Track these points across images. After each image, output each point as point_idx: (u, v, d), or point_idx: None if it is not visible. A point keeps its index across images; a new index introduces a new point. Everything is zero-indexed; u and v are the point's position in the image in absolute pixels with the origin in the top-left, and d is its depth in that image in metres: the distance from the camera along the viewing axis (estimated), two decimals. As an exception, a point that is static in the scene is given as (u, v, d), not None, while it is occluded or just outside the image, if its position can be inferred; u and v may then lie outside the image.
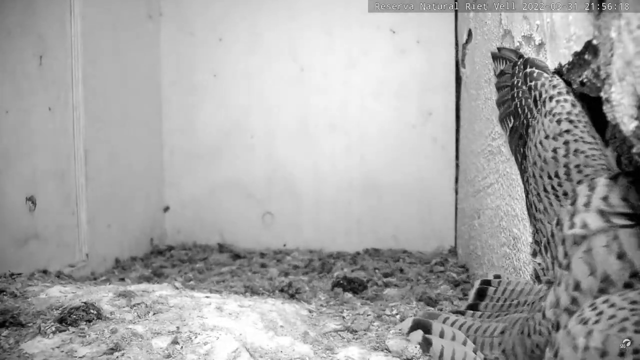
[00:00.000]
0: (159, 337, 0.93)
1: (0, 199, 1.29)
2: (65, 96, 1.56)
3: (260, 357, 0.92)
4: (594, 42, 0.68)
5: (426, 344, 0.87)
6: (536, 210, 0.77)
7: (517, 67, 0.89)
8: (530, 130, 0.81)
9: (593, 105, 0.80)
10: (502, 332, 0.81)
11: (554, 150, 0.74)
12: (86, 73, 1.63)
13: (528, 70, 0.85)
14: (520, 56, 0.94)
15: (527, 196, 0.82)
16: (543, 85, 0.82)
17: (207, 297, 1.19)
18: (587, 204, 0.64)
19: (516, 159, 0.88)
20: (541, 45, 0.91)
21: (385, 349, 1.02)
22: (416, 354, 0.99)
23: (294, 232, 2.21)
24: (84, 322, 0.95)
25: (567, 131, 0.75)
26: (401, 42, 2.13)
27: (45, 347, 0.88)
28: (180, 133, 2.25)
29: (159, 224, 2.22)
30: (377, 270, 1.73)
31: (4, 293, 1.06)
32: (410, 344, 1.02)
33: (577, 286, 0.60)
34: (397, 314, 1.21)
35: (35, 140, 1.42)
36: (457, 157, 2.07)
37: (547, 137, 0.76)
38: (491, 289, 0.95)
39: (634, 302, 0.56)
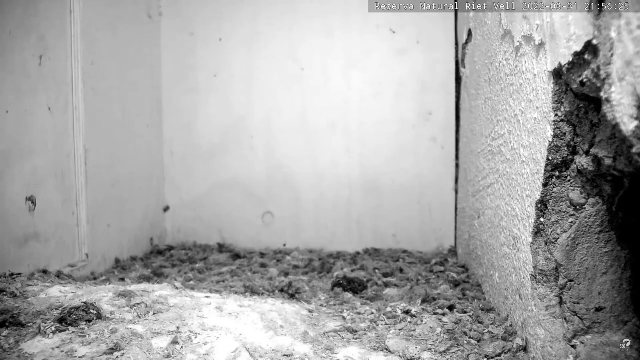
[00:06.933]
0: (159, 337, 0.93)
1: (0, 199, 1.29)
2: (65, 96, 1.56)
3: (260, 357, 0.92)
4: (594, 42, 0.68)
5: None
6: None
7: None
8: None
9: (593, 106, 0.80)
10: None
11: None
12: (86, 73, 1.63)
13: None
14: None
15: None
16: None
17: (207, 297, 1.19)
18: None
19: None
20: (541, 45, 0.91)
21: (385, 349, 1.02)
22: (416, 354, 0.99)
23: (294, 232, 2.21)
24: (84, 322, 0.96)
25: None
26: (401, 42, 2.13)
27: (45, 347, 0.88)
28: (181, 133, 2.25)
29: (159, 224, 2.22)
30: (377, 270, 1.73)
31: (4, 293, 1.06)
32: (411, 344, 1.02)
33: None
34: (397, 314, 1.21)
35: (35, 140, 1.42)
36: (457, 157, 2.07)
37: None
38: None
39: None
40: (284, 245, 2.21)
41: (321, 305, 1.34)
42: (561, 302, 0.89)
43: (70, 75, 1.58)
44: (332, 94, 2.17)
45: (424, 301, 1.33)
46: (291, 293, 1.44)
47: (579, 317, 0.87)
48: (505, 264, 1.16)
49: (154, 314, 1.03)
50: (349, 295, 1.44)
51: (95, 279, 1.59)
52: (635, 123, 0.58)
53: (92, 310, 0.98)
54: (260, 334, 1.00)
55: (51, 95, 1.49)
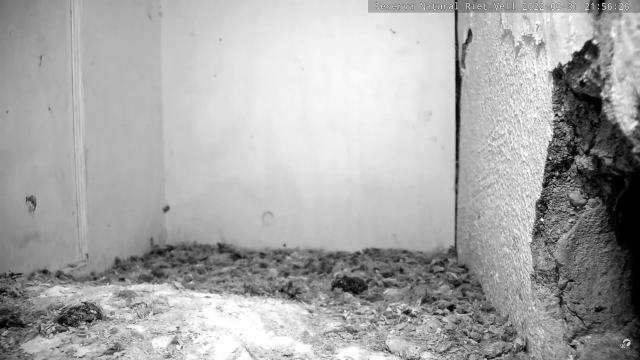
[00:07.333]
0: (159, 337, 0.93)
1: (0, 199, 1.29)
2: (65, 96, 1.56)
3: (260, 357, 0.92)
4: (594, 42, 0.68)
5: None
6: None
7: None
8: None
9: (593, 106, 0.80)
10: None
11: None
12: (86, 73, 1.63)
13: None
14: None
15: None
16: None
17: (207, 297, 1.19)
18: None
19: None
20: (541, 45, 0.91)
21: (385, 349, 1.02)
22: (416, 354, 0.99)
23: (294, 232, 2.21)
24: (84, 322, 0.96)
25: None
26: (401, 42, 2.13)
27: (45, 347, 0.88)
28: (180, 133, 2.25)
29: (159, 224, 2.22)
30: (377, 270, 1.73)
31: (4, 293, 1.06)
32: (411, 344, 1.02)
33: None
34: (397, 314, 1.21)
35: (35, 140, 1.42)
36: (457, 157, 2.07)
37: None
38: None
39: None
40: (284, 245, 2.21)
41: (321, 305, 1.34)
42: (561, 302, 0.89)
43: (70, 75, 1.58)
44: (332, 94, 2.17)
45: (424, 301, 1.33)
46: (291, 293, 1.44)
47: (579, 317, 0.87)
48: (505, 264, 1.16)
49: (154, 314, 1.03)
50: (349, 295, 1.44)
51: (95, 279, 1.59)
52: (635, 123, 0.58)
53: (92, 310, 0.98)
54: (260, 334, 1.00)
55: (51, 95, 1.49)
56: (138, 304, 1.05)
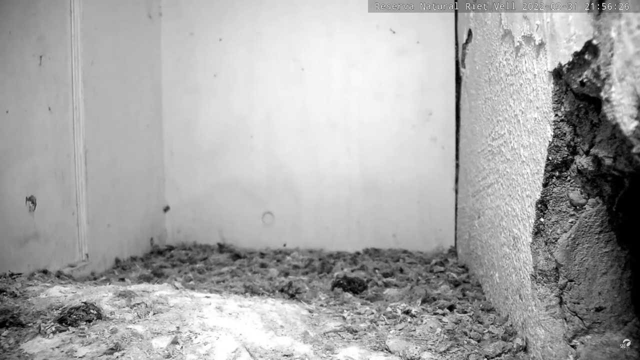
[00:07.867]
0: (159, 337, 0.93)
1: (0, 199, 1.29)
2: (65, 96, 1.56)
3: (260, 357, 0.92)
4: (594, 42, 0.68)
5: None
6: None
7: None
8: None
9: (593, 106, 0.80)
10: None
11: None
12: (86, 73, 1.63)
13: None
14: None
15: None
16: None
17: (207, 297, 1.19)
18: None
19: None
20: (541, 45, 0.91)
21: (385, 349, 1.02)
22: (416, 354, 0.99)
23: (294, 232, 2.21)
24: (84, 322, 0.96)
25: None
26: (401, 42, 2.13)
27: (45, 347, 0.88)
28: (180, 133, 2.25)
29: (159, 224, 2.22)
30: (377, 270, 1.73)
31: (4, 293, 1.06)
32: (411, 344, 1.02)
33: None
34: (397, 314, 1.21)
35: (35, 140, 1.42)
36: (457, 157, 2.07)
37: None
38: None
39: None
40: (284, 245, 2.21)
41: (321, 305, 1.34)
42: (561, 302, 0.89)
43: (70, 75, 1.58)
44: (332, 94, 2.17)
45: (424, 301, 1.33)
46: (291, 293, 1.44)
47: (579, 317, 0.87)
48: (505, 264, 1.16)
49: (154, 314, 1.03)
50: (349, 295, 1.44)
51: (95, 279, 1.59)
52: (635, 123, 0.58)
53: (92, 310, 0.98)
54: (260, 334, 1.00)
55: (51, 95, 1.49)
56: (138, 304, 1.05)
